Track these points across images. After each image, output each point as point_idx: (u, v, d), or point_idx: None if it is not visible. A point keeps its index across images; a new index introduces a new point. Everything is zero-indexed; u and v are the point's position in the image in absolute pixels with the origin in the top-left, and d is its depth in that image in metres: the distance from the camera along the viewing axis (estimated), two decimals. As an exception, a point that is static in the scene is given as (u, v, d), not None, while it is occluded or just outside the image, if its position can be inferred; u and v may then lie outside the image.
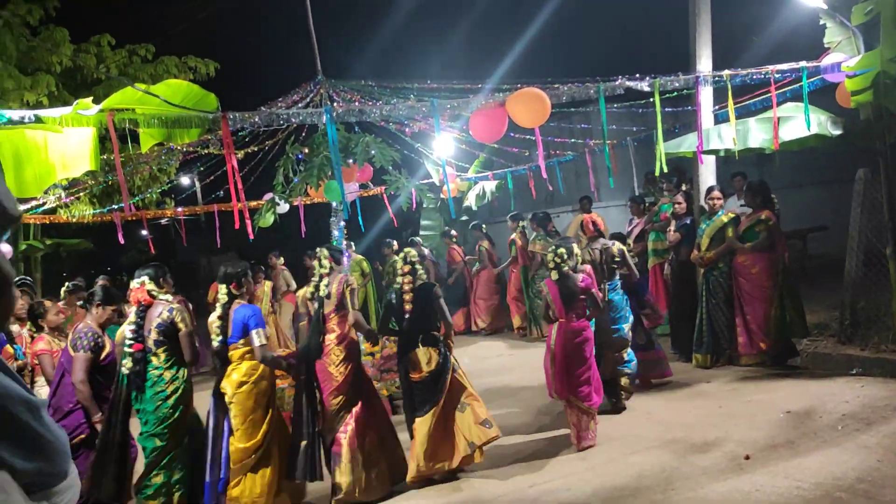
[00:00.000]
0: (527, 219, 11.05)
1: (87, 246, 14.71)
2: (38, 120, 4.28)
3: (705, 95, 7.47)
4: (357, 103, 7.73)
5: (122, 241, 9.21)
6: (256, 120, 4.97)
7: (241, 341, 4.81)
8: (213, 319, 4.86)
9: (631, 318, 6.49)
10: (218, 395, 4.82)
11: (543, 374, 5.73)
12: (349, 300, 5.15)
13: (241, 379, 4.75)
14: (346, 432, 5.00)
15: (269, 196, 9.01)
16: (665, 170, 6.50)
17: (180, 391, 4.66)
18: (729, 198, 8.25)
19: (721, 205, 7.35)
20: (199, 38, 15.66)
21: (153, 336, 4.64)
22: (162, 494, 4.56)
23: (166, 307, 4.69)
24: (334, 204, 7.90)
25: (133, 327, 4.64)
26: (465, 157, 12.46)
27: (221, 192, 11.19)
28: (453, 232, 12.97)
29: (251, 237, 5.55)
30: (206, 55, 12.86)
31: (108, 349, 4.79)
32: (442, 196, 12.56)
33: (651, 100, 6.21)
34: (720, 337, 7.26)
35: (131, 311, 4.74)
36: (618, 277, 6.52)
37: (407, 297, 5.26)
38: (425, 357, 5.14)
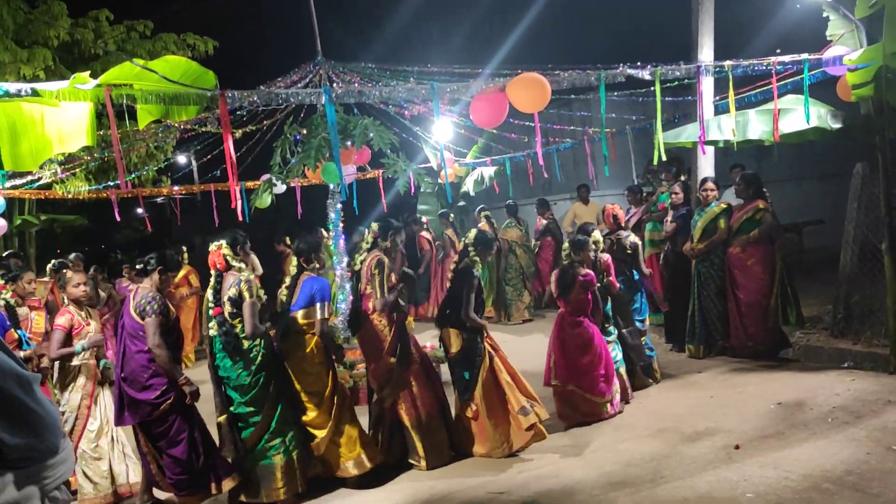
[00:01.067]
0: (489, 210, 11.21)
1: (83, 222, 14.64)
2: (35, 93, 4.23)
3: (706, 86, 7.44)
4: (356, 84, 7.68)
5: (118, 219, 9.17)
6: (255, 99, 4.92)
7: (301, 312, 4.90)
8: (281, 289, 5.07)
9: (644, 310, 6.72)
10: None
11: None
12: (377, 281, 5.17)
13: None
14: (405, 401, 5.15)
15: (266, 177, 8.97)
16: (664, 158, 6.49)
17: (260, 358, 4.72)
18: (726, 189, 8.25)
19: (714, 196, 7.35)
20: (199, 15, 15.50)
21: (227, 308, 4.72)
22: (281, 453, 4.70)
23: (236, 279, 4.74)
24: (332, 186, 7.87)
25: (212, 291, 4.80)
26: (463, 142, 12.40)
27: (218, 172, 11.14)
28: (424, 219, 12.93)
29: (240, 219, 5.52)
30: (205, 33, 12.75)
31: (173, 311, 4.84)
32: (440, 181, 12.51)
33: (652, 89, 6.18)
34: (712, 328, 7.29)
35: (212, 276, 4.85)
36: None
37: (449, 275, 5.55)
38: (453, 336, 5.28)
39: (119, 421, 4.77)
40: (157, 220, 27.48)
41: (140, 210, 20.21)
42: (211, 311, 4.78)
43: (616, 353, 6.05)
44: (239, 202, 5.25)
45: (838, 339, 6.88)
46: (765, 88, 6.77)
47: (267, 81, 7.92)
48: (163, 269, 4.82)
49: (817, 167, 12.68)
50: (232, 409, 4.75)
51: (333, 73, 8.19)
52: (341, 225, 8.07)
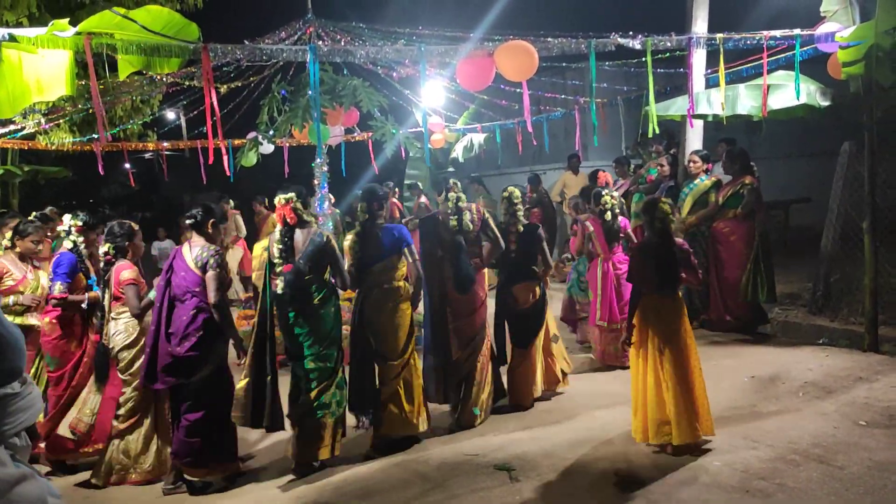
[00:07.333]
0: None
1: (66, 175, 14.41)
2: (12, 39, 4.15)
3: (698, 58, 7.39)
4: (343, 43, 7.58)
5: (101, 172, 9.03)
6: (238, 54, 4.84)
7: None
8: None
9: None
10: None
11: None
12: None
13: None
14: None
15: (252, 135, 8.87)
16: (657, 131, 6.46)
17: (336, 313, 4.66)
18: (715, 164, 8.25)
19: (698, 168, 7.35)
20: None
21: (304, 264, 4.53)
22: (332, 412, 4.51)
23: (313, 233, 4.57)
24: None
25: (282, 246, 4.49)
26: (454, 107, 12.30)
27: (206, 128, 10.99)
28: (419, 183, 12.95)
29: (228, 174, 5.44)
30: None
31: None
32: (429, 146, 12.43)
33: (644, 60, 6.14)
34: (695, 301, 7.34)
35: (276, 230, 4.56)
36: None
37: (512, 237, 5.59)
38: (531, 290, 5.46)
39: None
40: (144, 176, 27.16)
41: (127, 165, 19.92)
42: (280, 268, 4.47)
43: None
44: (224, 158, 5.17)
45: (816, 316, 6.96)
46: (756, 63, 6.73)
47: (255, 38, 7.80)
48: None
49: (807, 145, 12.68)
50: (306, 364, 4.49)
51: (323, 32, 8.07)
52: (327, 187, 8.02)
